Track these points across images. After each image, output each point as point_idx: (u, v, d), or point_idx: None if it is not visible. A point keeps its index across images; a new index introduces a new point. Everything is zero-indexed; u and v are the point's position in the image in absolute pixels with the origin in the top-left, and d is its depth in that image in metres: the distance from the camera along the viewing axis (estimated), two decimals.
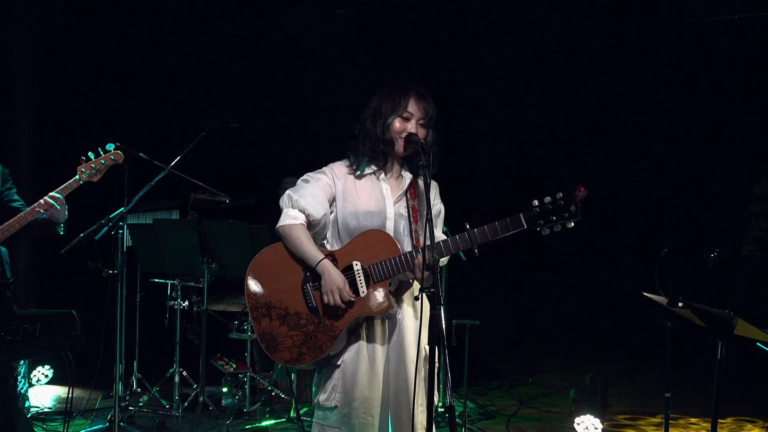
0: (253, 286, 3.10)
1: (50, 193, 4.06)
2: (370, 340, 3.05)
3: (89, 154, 4.18)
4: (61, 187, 4.10)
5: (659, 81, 7.49)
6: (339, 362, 3.05)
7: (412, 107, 3.08)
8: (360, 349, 3.04)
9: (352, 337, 3.06)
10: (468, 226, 2.92)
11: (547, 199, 2.86)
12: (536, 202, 2.87)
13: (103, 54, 6.68)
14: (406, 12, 7.11)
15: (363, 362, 3.03)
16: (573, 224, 2.85)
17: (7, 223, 4.05)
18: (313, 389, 3.16)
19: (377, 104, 3.12)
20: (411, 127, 3.08)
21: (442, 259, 3.04)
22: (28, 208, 4.06)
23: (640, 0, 7.14)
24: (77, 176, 4.14)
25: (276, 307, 3.06)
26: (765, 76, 7.19)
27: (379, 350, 3.05)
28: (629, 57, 7.43)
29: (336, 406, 3.04)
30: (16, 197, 4.28)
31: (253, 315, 3.09)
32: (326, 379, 3.08)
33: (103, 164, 4.18)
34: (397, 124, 3.08)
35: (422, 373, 2.97)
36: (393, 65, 7.05)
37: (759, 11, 6.91)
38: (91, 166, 4.15)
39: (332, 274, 2.97)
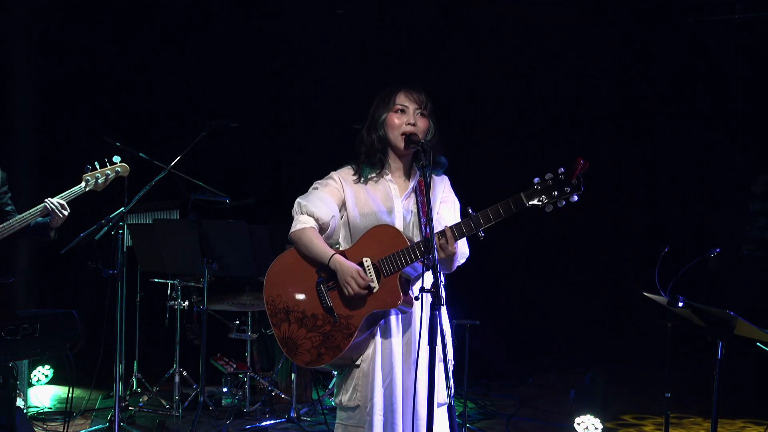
0: (271, 293, 3.15)
1: (54, 199, 4.06)
2: (386, 337, 3.07)
3: (95, 163, 4.19)
4: (64, 194, 4.09)
5: (659, 81, 7.49)
6: (358, 362, 3.08)
7: (403, 99, 3.12)
8: (377, 346, 3.06)
9: (370, 335, 3.08)
10: (470, 211, 2.92)
11: (549, 175, 2.80)
12: (538, 179, 2.82)
13: (103, 54, 6.67)
14: (406, 12, 7.10)
15: (380, 360, 3.05)
16: (577, 198, 2.77)
17: (6, 223, 4.04)
18: (334, 390, 3.20)
19: (371, 111, 3.19)
20: (410, 118, 3.09)
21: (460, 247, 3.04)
22: (30, 211, 4.05)
23: (640, 0, 7.14)
24: (82, 184, 4.14)
25: (293, 311, 3.10)
26: (765, 76, 7.19)
27: (395, 347, 3.06)
28: (629, 57, 7.43)
29: (358, 406, 3.06)
30: (9, 201, 4.28)
31: (272, 321, 3.14)
32: (346, 380, 3.11)
33: (108, 175, 4.20)
34: (394, 119, 3.10)
35: (429, 371, 2.96)
36: (393, 65, 7.05)
37: (759, 11, 6.90)
38: (96, 176, 4.16)
39: (345, 265, 3.00)
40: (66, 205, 4.07)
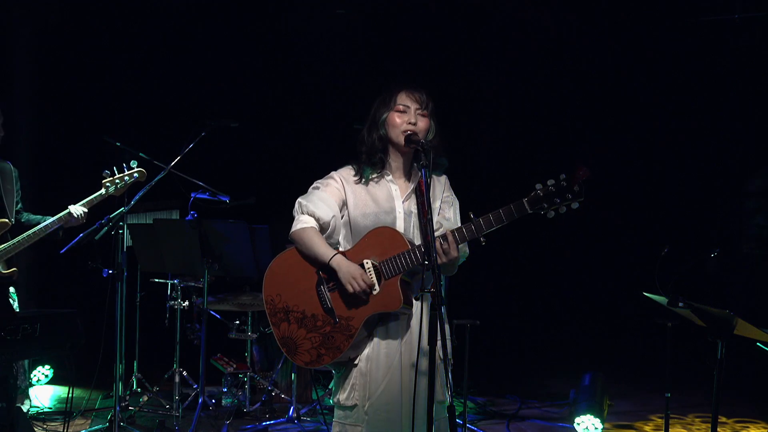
0: (270, 292, 3.15)
1: (78, 206, 4.15)
2: (385, 337, 3.08)
3: (113, 168, 4.27)
4: (86, 200, 4.21)
5: (659, 80, 7.49)
6: (357, 361, 3.09)
7: (404, 99, 3.13)
8: (375, 346, 3.07)
9: (369, 335, 3.08)
10: (472, 216, 2.93)
11: (551, 181, 2.84)
12: (539, 186, 2.85)
13: (103, 54, 6.68)
14: (406, 12, 7.10)
15: (379, 360, 3.06)
16: (578, 205, 2.82)
17: (32, 231, 4.10)
18: (333, 389, 3.22)
19: (372, 112, 3.19)
20: (410, 118, 3.09)
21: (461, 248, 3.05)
22: (54, 218, 4.13)
23: (641, 0, 7.13)
24: (102, 191, 4.25)
25: (293, 311, 3.11)
26: (765, 76, 7.19)
27: (394, 347, 3.07)
28: (629, 56, 7.42)
29: (356, 405, 3.07)
30: (20, 200, 4.33)
31: (272, 320, 3.15)
32: (345, 379, 3.12)
33: (126, 180, 4.31)
34: (396, 118, 3.11)
35: (431, 372, 2.96)
36: (393, 65, 7.04)
37: (759, 11, 6.90)
38: (115, 182, 4.26)
39: (347, 265, 3.01)
40: (86, 210, 4.20)
